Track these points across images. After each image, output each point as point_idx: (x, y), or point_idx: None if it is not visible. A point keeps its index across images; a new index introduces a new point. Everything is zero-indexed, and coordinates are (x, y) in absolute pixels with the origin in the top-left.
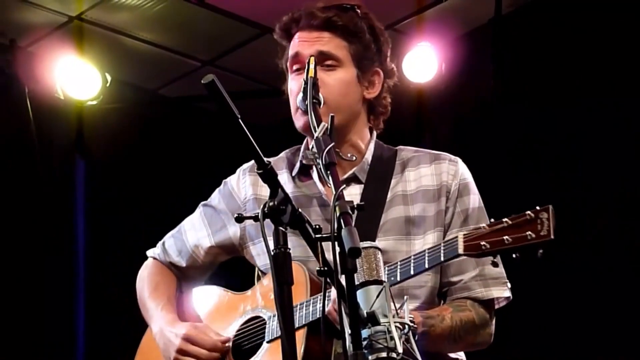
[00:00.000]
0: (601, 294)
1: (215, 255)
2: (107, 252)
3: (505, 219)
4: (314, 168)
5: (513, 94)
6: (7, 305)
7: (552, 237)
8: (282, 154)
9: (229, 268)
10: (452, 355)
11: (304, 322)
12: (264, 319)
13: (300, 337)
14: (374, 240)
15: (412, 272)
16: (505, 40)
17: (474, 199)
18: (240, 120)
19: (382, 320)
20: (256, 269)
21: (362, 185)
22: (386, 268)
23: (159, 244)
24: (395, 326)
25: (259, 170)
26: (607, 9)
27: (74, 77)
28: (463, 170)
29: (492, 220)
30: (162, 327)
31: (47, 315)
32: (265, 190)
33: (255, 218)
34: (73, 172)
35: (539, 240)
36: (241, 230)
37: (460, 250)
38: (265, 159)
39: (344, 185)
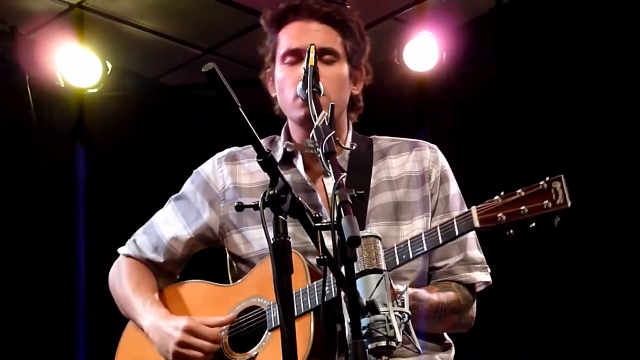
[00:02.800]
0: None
1: (192, 247)
2: (108, 239)
3: (518, 191)
4: (298, 155)
5: (514, 83)
6: (7, 290)
7: (569, 204)
8: None
9: (200, 260)
10: (443, 337)
11: (309, 307)
12: (261, 309)
13: (307, 323)
14: (364, 227)
15: (425, 248)
16: (506, 29)
17: (454, 185)
18: (240, 108)
19: (381, 309)
20: (227, 259)
21: (344, 174)
22: (396, 246)
23: (129, 241)
24: (395, 315)
25: (259, 159)
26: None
27: (74, 65)
28: (442, 158)
29: (502, 193)
30: (156, 321)
31: (46, 300)
32: (244, 179)
33: (255, 207)
34: (73, 160)
35: (556, 209)
36: (221, 219)
37: (477, 224)
38: (238, 148)
39: (344, 174)
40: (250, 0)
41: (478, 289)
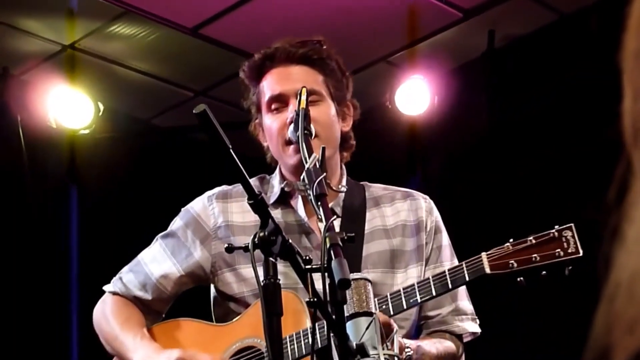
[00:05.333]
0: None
1: (182, 285)
2: (101, 280)
3: (529, 238)
4: (297, 195)
5: (506, 128)
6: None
7: (581, 253)
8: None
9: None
10: None
11: (297, 355)
12: (258, 349)
13: None
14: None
15: (434, 293)
16: (498, 73)
17: (445, 236)
18: (231, 150)
19: (371, 352)
20: (212, 298)
21: (340, 219)
22: (402, 289)
23: (115, 279)
24: (385, 358)
25: (250, 200)
26: (603, 42)
27: (66, 106)
28: (435, 209)
29: (512, 240)
30: (149, 355)
31: (40, 339)
32: (236, 217)
33: (246, 248)
34: (66, 202)
35: (568, 258)
36: (213, 257)
37: (487, 270)
38: (228, 187)
39: (335, 217)
40: (243, 43)
41: (466, 339)
